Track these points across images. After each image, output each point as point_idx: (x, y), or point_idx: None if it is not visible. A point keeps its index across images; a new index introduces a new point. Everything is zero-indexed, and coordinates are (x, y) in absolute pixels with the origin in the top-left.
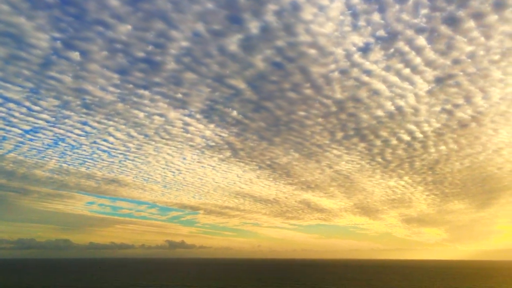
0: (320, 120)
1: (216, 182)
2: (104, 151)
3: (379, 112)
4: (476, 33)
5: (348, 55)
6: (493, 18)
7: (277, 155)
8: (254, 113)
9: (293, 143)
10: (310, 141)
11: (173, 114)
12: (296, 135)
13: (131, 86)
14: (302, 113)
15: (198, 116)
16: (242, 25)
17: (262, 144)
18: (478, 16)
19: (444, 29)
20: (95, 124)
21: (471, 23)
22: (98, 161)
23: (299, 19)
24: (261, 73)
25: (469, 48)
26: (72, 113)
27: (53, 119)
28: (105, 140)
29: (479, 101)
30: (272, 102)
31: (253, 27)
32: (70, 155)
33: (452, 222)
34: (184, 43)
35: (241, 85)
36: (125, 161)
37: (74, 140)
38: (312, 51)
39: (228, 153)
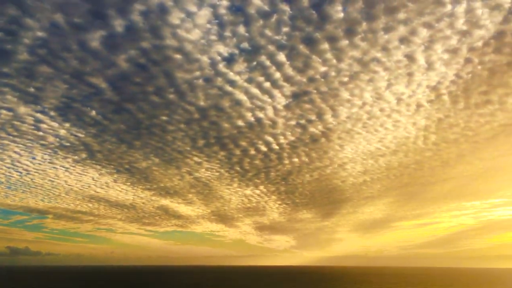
0: (182, 126)
1: (69, 185)
2: None
3: (240, 122)
4: (330, 55)
5: (213, 64)
6: (344, 43)
7: (137, 159)
8: (114, 114)
9: (153, 148)
10: (171, 146)
11: (23, 109)
12: (157, 139)
13: None
14: (164, 117)
15: (52, 113)
16: (106, 22)
17: (121, 147)
18: (332, 39)
19: (302, 48)
20: None
21: (325, 45)
22: None
23: (166, 23)
24: (123, 74)
25: (323, 68)
26: None
27: None
28: None
29: (329, 118)
30: (134, 104)
31: (118, 25)
32: None
33: (300, 230)
34: (40, 33)
35: (101, 84)
36: None
37: None
38: (178, 56)
39: (84, 155)
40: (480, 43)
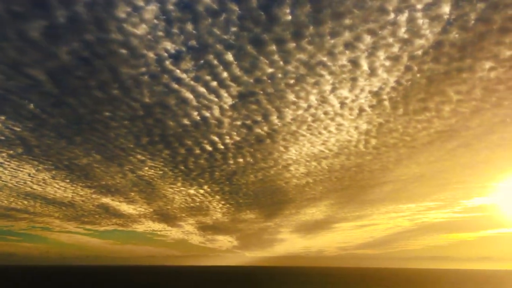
0: (126, 122)
1: (3, 181)
2: None
3: (185, 121)
4: (277, 57)
5: (159, 60)
6: (291, 45)
7: (77, 155)
8: (54, 108)
9: (95, 144)
10: (114, 143)
11: None
12: (99, 136)
13: None
14: (107, 113)
15: None
16: (48, 12)
17: (61, 143)
18: (279, 41)
19: (250, 48)
20: None
21: (273, 47)
22: None
23: (112, 16)
24: (65, 66)
25: (269, 70)
26: None
27: None
28: None
29: (275, 119)
30: (75, 98)
31: (60, 15)
32: None
33: (243, 231)
34: None
35: (41, 76)
36: None
37: None
38: (123, 51)
39: (20, 150)
40: (420, 52)
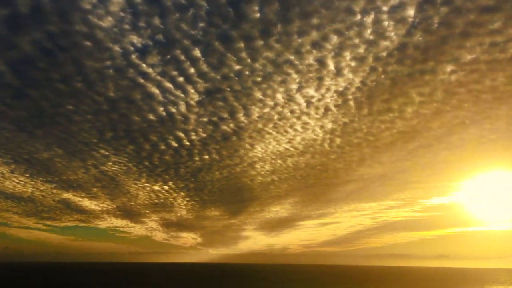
0: (89, 117)
1: None
2: None
3: (151, 116)
4: (244, 54)
5: (125, 54)
6: (259, 43)
7: (38, 149)
8: (14, 100)
9: (57, 138)
10: (76, 138)
11: None
12: (61, 129)
13: None
14: (70, 107)
15: None
16: (9, 0)
17: (21, 136)
18: (247, 38)
19: (218, 45)
20: None
21: (241, 44)
22: None
23: (76, 7)
24: (27, 58)
25: (237, 67)
26: None
27: None
28: None
29: (241, 117)
30: (37, 91)
31: (22, 4)
32: None
33: (207, 228)
34: None
35: (1, 67)
36: None
37: None
38: (88, 44)
39: None
40: (384, 54)
